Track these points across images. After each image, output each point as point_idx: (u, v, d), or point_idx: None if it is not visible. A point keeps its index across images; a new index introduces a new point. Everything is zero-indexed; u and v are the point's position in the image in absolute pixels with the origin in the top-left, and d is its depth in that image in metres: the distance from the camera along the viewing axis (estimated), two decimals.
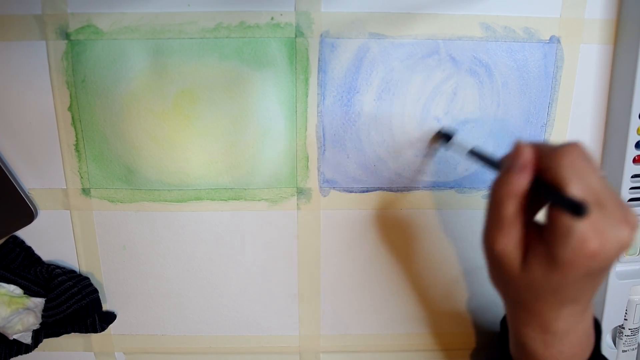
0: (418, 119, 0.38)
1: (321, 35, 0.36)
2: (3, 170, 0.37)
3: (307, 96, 0.37)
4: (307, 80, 0.37)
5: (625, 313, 0.40)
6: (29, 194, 0.39)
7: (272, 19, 0.36)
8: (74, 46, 0.36)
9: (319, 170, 0.39)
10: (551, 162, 0.25)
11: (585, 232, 0.23)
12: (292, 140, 0.38)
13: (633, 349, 0.42)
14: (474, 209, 0.40)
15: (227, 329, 0.42)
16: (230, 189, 0.39)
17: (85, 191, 0.39)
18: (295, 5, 0.35)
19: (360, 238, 0.40)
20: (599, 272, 0.25)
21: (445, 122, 0.38)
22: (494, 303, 0.42)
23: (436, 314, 0.42)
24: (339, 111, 0.37)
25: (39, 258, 0.40)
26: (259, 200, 0.39)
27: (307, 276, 0.41)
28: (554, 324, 0.28)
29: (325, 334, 0.43)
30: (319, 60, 0.36)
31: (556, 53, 0.37)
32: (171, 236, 0.40)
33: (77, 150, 0.38)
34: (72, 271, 0.40)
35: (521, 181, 0.25)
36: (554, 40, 0.37)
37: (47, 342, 0.41)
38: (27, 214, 0.38)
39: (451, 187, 0.39)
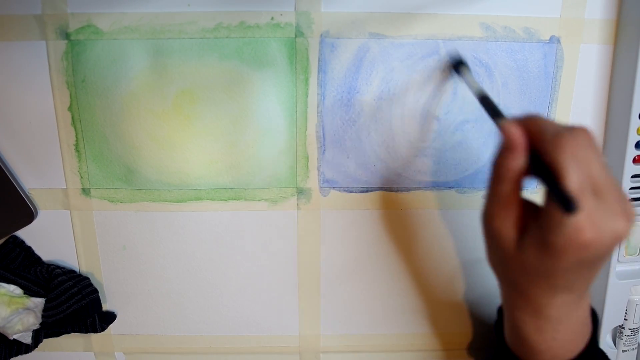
0: (418, 119, 0.38)
1: (321, 35, 0.36)
2: (3, 170, 0.37)
3: (307, 96, 0.37)
4: (307, 80, 0.37)
5: (625, 313, 0.40)
6: (29, 194, 0.39)
7: (272, 19, 0.36)
8: (74, 46, 0.36)
9: (319, 170, 0.39)
10: (552, 147, 0.24)
11: (580, 222, 0.23)
12: (292, 140, 0.38)
13: (633, 349, 0.42)
14: (474, 209, 0.40)
15: (227, 329, 0.42)
16: (230, 189, 0.39)
17: (85, 191, 0.39)
18: (295, 5, 0.35)
19: (360, 238, 0.40)
20: (593, 262, 0.25)
21: (445, 122, 0.38)
22: (494, 303, 0.42)
23: (436, 314, 0.42)
24: (339, 111, 0.37)
25: (39, 258, 0.40)
26: (259, 200, 0.39)
27: (307, 276, 0.41)
28: (546, 309, 0.28)
29: (325, 333, 0.43)
30: (319, 60, 0.36)
31: (556, 53, 0.37)
32: (171, 236, 0.40)
33: (77, 150, 0.38)
34: (72, 271, 0.40)
35: (515, 162, 0.25)
36: (554, 40, 0.37)
37: (47, 342, 0.41)
38: (27, 214, 0.38)
39: (451, 187, 0.39)
